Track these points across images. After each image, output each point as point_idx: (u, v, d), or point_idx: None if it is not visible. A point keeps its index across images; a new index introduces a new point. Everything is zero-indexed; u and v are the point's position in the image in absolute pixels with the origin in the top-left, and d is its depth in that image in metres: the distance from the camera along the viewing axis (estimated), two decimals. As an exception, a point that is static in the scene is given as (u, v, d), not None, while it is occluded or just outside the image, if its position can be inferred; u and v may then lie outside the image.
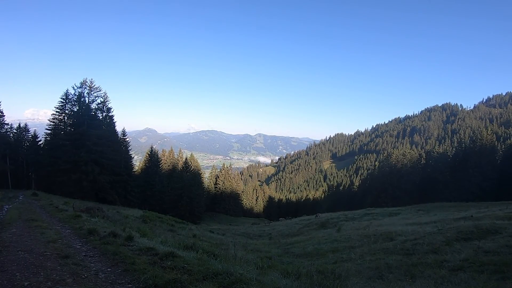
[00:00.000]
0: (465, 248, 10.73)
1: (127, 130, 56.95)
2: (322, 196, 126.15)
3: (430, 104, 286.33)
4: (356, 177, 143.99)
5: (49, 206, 18.17)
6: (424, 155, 79.20)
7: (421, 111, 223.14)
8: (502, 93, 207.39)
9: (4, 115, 44.20)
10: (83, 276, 5.10)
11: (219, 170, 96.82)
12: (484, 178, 55.55)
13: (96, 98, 45.71)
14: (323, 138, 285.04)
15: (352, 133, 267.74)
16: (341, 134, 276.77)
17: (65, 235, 8.83)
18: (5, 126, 45.14)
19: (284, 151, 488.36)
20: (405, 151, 78.75)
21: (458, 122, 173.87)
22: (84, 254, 6.71)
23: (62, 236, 8.59)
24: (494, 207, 29.25)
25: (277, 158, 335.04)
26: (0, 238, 7.79)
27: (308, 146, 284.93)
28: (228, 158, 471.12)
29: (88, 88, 44.51)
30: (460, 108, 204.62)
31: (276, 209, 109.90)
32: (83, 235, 8.83)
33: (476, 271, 8.04)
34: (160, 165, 63.94)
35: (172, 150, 79.95)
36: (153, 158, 61.63)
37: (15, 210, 15.02)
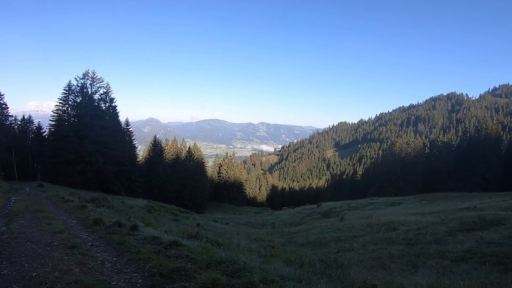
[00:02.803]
0: (468, 239, 10.74)
1: (130, 120, 57.17)
2: (325, 185, 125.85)
3: (435, 93, 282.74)
4: (359, 166, 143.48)
5: (55, 197, 18.29)
6: (428, 144, 78.55)
7: (426, 100, 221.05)
8: (508, 83, 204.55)
9: (8, 107, 44.18)
10: (89, 266, 5.17)
11: (222, 159, 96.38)
12: (488, 168, 55.14)
13: (99, 89, 45.82)
14: (326, 126, 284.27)
15: (356, 122, 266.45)
16: (345, 122, 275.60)
17: (71, 226, 8.93)
18: (9, 118, 45.12)
19: (287, 139, 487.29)
20: (409, 140, 78.17)
21: (463, 111, 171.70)
22: (90, 244, 6.80)
23: (68, 226, 8.69)
24: (498, 198, 29.08)
25: (280, 146, 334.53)
26: (9, 229, 7.87)
27: (311, 134, 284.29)
28: (231, 147, 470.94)
29: (90, 79, 44.63)
30: (465, 98, 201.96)
31: (279, 198, 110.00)
32: (89, 225, 8.92)
33: (478, 262, 8.07)
34: (164, 155, 64.10)
35: (175, 139, 79.81)
36: (156, 147, 61.81)
37: (22, 202, 15.13)
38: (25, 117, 49.05)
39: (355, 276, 5.41)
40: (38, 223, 8.85)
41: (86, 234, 7.89)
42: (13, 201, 16.08)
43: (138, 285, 4.46)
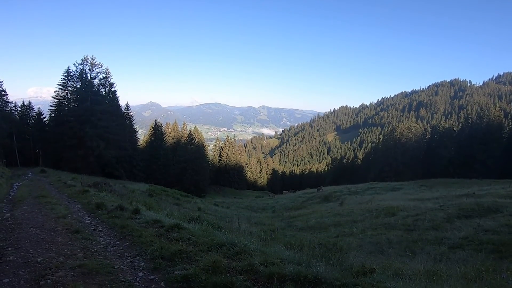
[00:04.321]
0: (466, 226, 10.82)
1: (130, 104, 57.14)
2: (326, 169, 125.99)
3: (438, 79, 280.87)
4: (360, 150, 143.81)
5: (58, 182, 18.42)
6: (429, 129, 78.17)
7: (429, 86, 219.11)
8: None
9: (7, 94, 44.05)
10: (93, 250, 5.25)
11: (223, 142, 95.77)
12: (489, 155, 54.91)
13: (98, 74, 45.74)
14: (328, 110, 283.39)
15: (357, 106, 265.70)
16: (346, 107, 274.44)
17: (74, 210, 9.00)
18: (9, 104, 45.09)
19: (288, 123, 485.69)
20: (410, 125, 77.58)
21: (466, 97, 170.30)
22: (93, 228, 6.88)
23: (71, 211, 8.76)
24: (497, 185, 29.00)
25: (281, 130, 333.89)
26: (13, 215, 7.94)
27: (312, 118, 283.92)
28: (232, 130, 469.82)
29: (89, 64, 44.61)
30: (468, 84, 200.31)
31: (279, 182, 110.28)
32: (91, 209, 8.99)
33: (475, 249, 8.18)
34: (165, 139, 63.96)
35: (176, 123, 79.48)
36: (157, 131, 61.62)
37: (25, 188, 15.31)
38: (25, 103, 49.05)
39: (354, 260, 5.50)
40: (42, 209, 8.93)
41: (89, 218, 7.97)
42: (16, 187, 16.25)
43: (141, 268, 4.54)
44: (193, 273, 4.06)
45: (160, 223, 6.89)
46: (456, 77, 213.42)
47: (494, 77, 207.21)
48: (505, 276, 4.48)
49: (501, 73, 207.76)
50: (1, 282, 3.96)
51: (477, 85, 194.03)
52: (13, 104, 46.34)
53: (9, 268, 4.37)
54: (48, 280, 3.91)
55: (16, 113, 47.04)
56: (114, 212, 8.15)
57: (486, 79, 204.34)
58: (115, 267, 4.52)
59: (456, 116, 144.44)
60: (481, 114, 65.34)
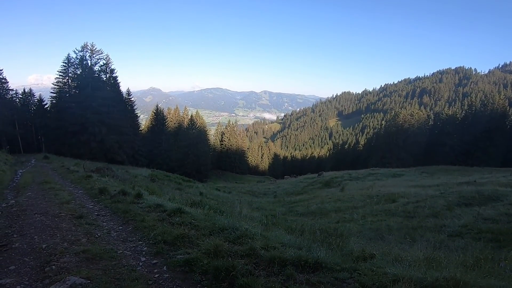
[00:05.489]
0: (465, 214, 10.84)
1: (132, 90, 56.87)
2: (327, 154, 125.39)
3: (443, 67, 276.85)
4: (362, 136, 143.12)
5: (61, 168, 18.60)
6: (432, 116, 77.49)
7: (433, 73, 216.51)
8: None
9: (8, 82, 44.03)
10: (96, 235, 5.31)
11: (224, 127, 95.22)
12: (491, 143, 54.53)
13: (99, 61, 45.90)
14: (330, 96, 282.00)
15: (360, 92, 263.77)
16: (348, 92, 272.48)
17: (77, 196, 9.09)
18: (10, 92, 45.15)
19: (290, 108, 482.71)
20: (413, 112, 76.65)
21: (470, 85, 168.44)
22: (96, 213, 6.96)
23: (75, 197, 8.84)
24: (498, 174, 28.89)
25: (282, 115, 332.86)
26: (17, 202, 8.00)
27: (314, 103, 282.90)
28: (234, 115, 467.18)
29: (89, 51, 44.78)
30: (474, 72, 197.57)
31: (281, 167, 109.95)
32: (94, 194, 9.08)
33: (474, 238, 8.22)
34: (166, 124, 63.74)
35: (177, 108, 78.93)
36: (158, 116, 61.40)
37: (28, 174, 15.38)
38: (26, 90, 49.04)
39: (354, 245, 5.55)
40: (45, 195, 9.00)
41: (92, 203, 8.05)
42: (20, 173, 16.34)
43: (144, 252, 4.59)
44: (195, 257, 4.10)
45: (162, 208, 6.94)
46: (461, 65, 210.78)
47: (500, 66, 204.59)
48: (503, 265, 4.54)
49: (507, 62, 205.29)
50: (7, 269, 4.01)
51: (482, 73, 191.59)
52: (14, 92, 46.45)
53: (15, 255, 4.43)
54: (53, 266, 3.96)
55: (17, 100, 47.12)
56: (117, 197, 8.24)
57: (492, 68, 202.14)
58: (118, 252, 4.57)
59: (460, 103, 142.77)
60: (485, 102, 64.62)
